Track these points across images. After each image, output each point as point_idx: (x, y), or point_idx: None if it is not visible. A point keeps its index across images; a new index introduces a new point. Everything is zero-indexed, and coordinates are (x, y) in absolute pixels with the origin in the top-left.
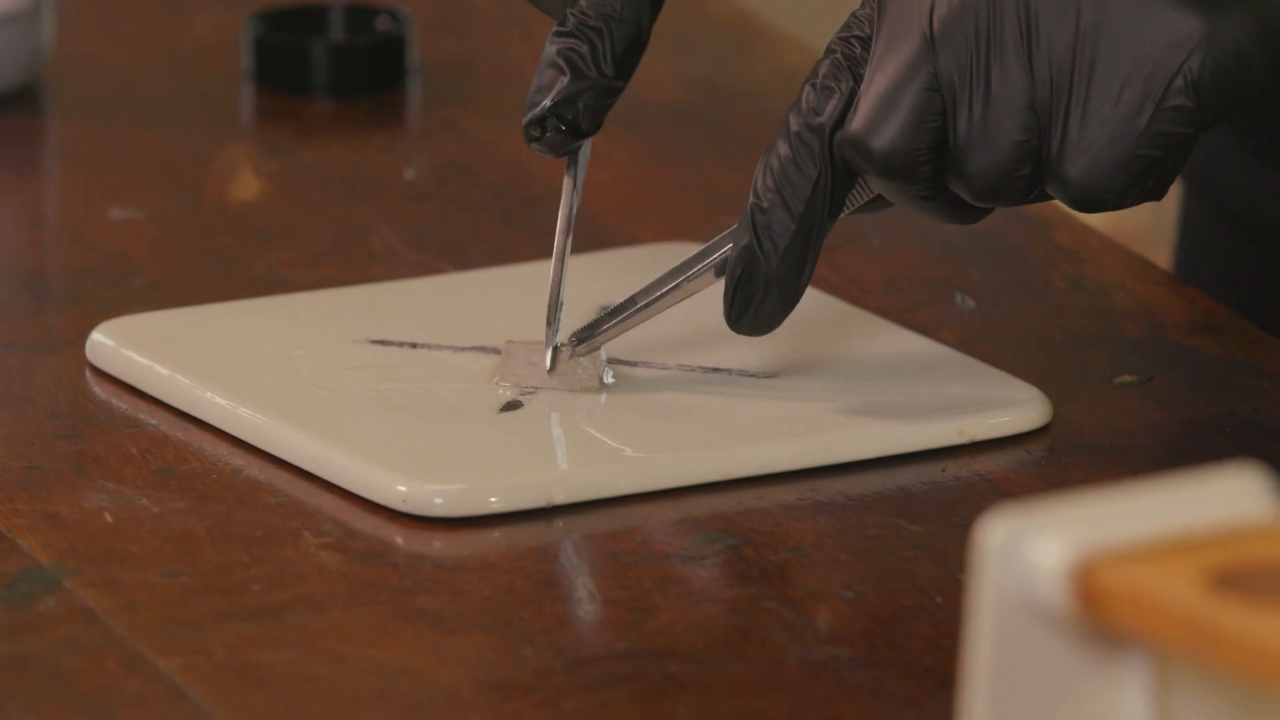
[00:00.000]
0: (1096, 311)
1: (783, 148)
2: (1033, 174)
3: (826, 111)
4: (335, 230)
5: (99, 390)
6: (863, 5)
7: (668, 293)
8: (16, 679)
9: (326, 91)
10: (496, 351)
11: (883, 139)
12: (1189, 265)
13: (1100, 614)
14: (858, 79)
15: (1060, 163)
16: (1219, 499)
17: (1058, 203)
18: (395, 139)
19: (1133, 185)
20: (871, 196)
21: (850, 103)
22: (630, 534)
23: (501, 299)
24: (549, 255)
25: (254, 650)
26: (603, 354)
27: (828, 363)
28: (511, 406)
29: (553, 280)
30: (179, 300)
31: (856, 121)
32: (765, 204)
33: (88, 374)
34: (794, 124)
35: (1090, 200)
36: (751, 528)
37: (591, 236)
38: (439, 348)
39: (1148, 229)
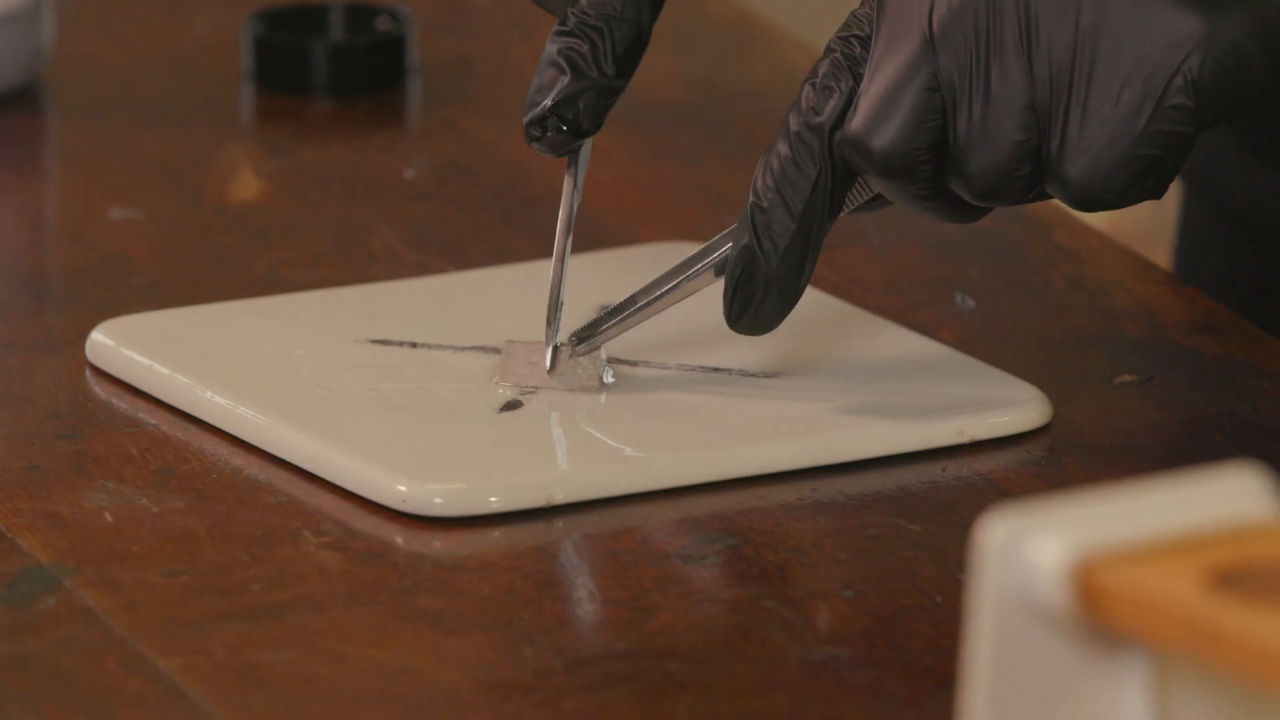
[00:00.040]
0: (1096, 311)
1: (782, 147)
2: (1032, 173)
3: (826, 111)
4: (335, 230)
5: (99, 390)
6: (862, 5)
7: (667, 292)
8: (16, 679)
9: (326, 91)
10: (496, 351)
11: (882, 139)
12: (1189, 265)
13: (1100, 614)
14: (857, 78)
15: (1060, 162)
16: (1219, 499)
17: (1058, 202)
18: (395, 139)
19: (1133, 185)
20: (871, 195)
21: (850, 102)
22: (630, 534)
23: (501, 299)
24: (549, 255)
25: (254, 650)
26: (603, 354)
27: (828, 362)
28: (511, 406)
29: (553, 280)
30: (179, 300)
31: (856, 121)
32: (765, 204)
33: (88, 374)
34: (794, 123)
35: (1090, 200)
36: (751, 527)
37: (591, 236)
38: (439, 347)
39: (1148, 229)
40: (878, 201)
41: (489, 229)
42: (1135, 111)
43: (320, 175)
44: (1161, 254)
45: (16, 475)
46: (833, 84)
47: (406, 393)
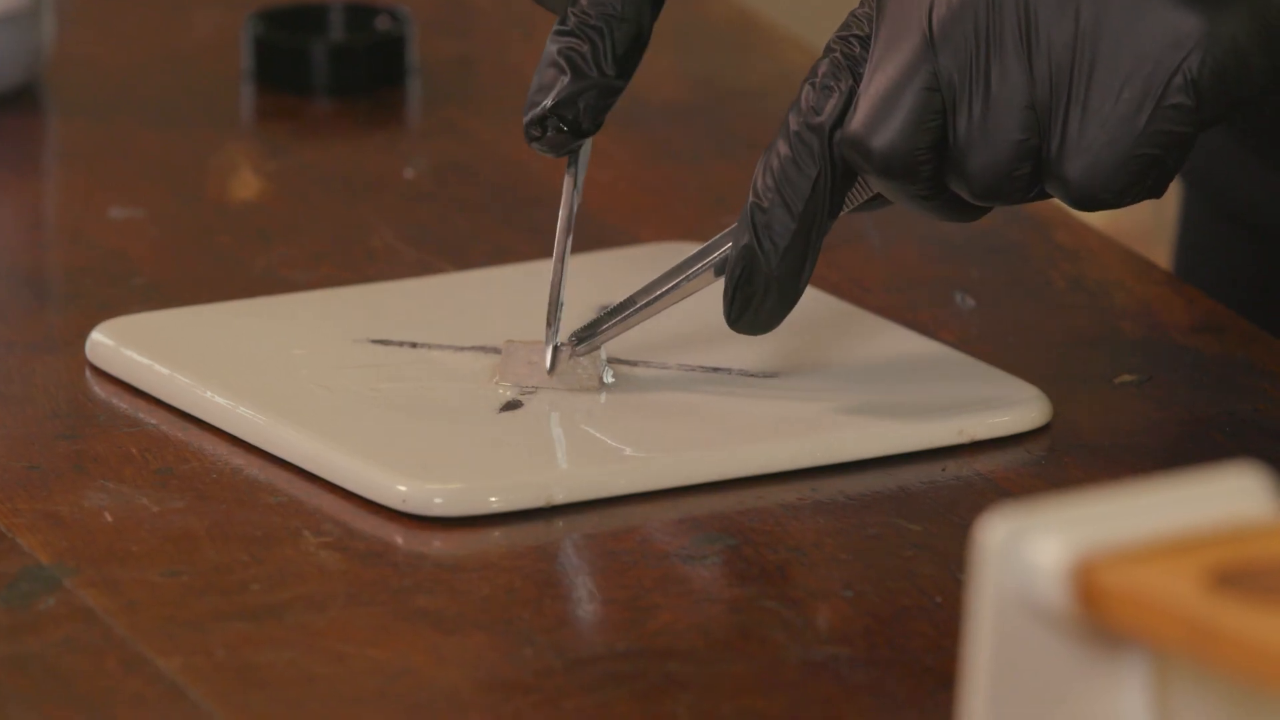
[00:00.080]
0: (1096, 311)
1: (782, 147)
2: (1032, 173)
3: (826, 111)
4: (335, 230)
5: (99, 390)
6: (862, 4)
7: (667, 292)
8: (16, 679)
9: (326, 91)
10: (496, 351)
11: (882, 139)
12: (1189, 265)
13: (1100, 614)
14: (857, 78)
15: (1060, 162)
16: (1219, 499)
17: (1058, 202)
18: (395, 139)
19: (1133, 184)
20: (871, 195)
21: (850, 102)
22: (630, 533)
23: (501, 299)
24: (549, 255)
25: (254, 650)
26: (603, 353)
27: (828, 362)
28: (511, 406)
29: (553, 280)
30: (179, 300)
31: (856, 121)
32: (765, 203)
33: (88, 374)
34: (794, 123)
35: (1090, 199)
36: (751, 527)
37: (591, 236)
38: (439, 347)
39: (1148, 228)
40: (878, 201)
41: (489, 229)
42: (1135, 111)
43: (320, 175)
44: (1161, 254)
45: (16, 475)
46: (833, 84)
47: (406, 393)
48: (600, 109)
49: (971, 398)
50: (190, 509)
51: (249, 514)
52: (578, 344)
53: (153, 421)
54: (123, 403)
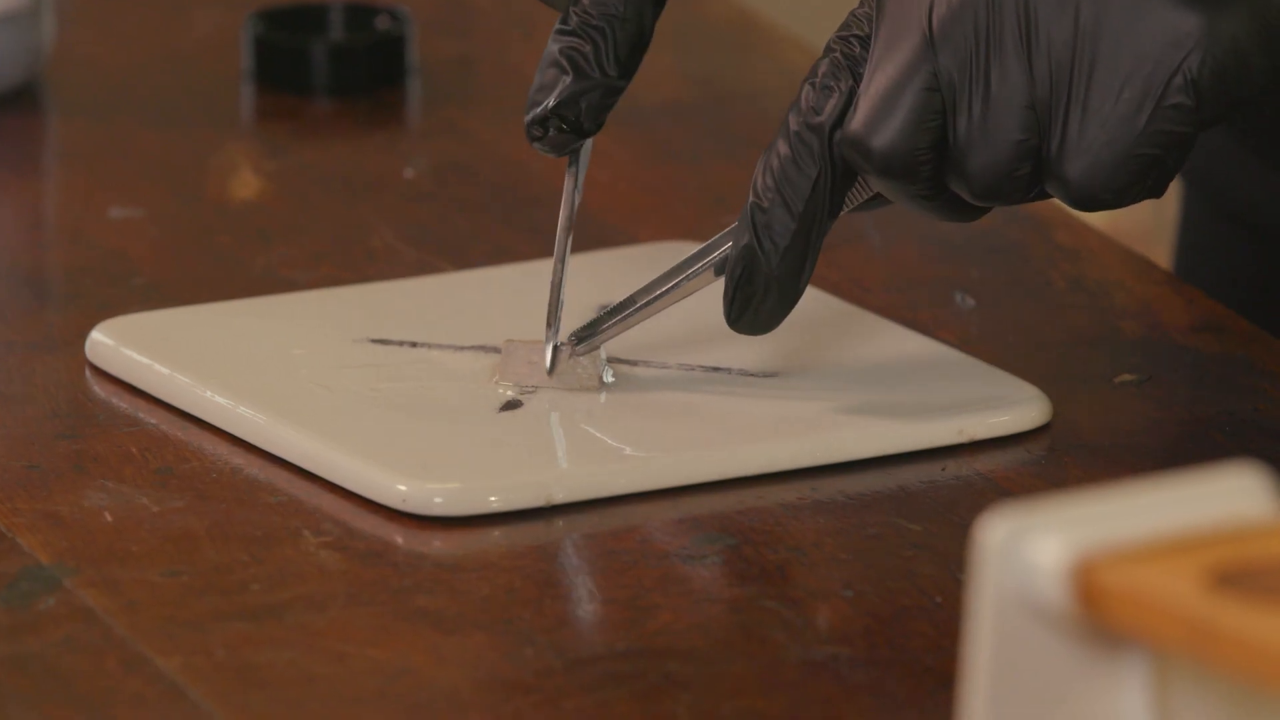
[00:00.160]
0: (1096, 311)
1: (782, 147)
2: (1032, 173)
3: (826, 110)
4: (335, 230)
5: (99, 389)
6: (862, 4)
7: (667, 292)
8: (16, 679)
9: (326, 91)
10: (496, 351)
11: (883, 138)
12: (1189, 265)
13: (1100, 613)
14: (857, 78)
15: (1060, 162)
16: (1219, 498)
17: (1058, 202)
18: (395, 139)
19: (1133, 184)
20: (871, 195)
21: (850, 102)
22: (630, 533)
23: (501, 299)
24: (549, 255)
25: (254, 650)
26: (602, 353)
27: (828, 362)
28: (511, 406)
29: (553, 280)
30: (179, 299)
31: (856, 121)
32: (765, 203)
33: (87, 373)
34: (794, 123)
35: (1090, 199)
36: (751, 527)
37: (591, 236)
38: (439, 347)
39: (1148, 228)
40: (878, 201)
41: (489, 229)
42: (1135, 111)
43: (320, 175)
44: (1161, 254)
45: (16, 475)
46: (832, 84)
47: (406, 392)
48: (602, 109)
49: (971, 398)
50: (190, 509)
51: (249, 514)
52: (578, 344)
53: (152, 421)
54: (123, 402)
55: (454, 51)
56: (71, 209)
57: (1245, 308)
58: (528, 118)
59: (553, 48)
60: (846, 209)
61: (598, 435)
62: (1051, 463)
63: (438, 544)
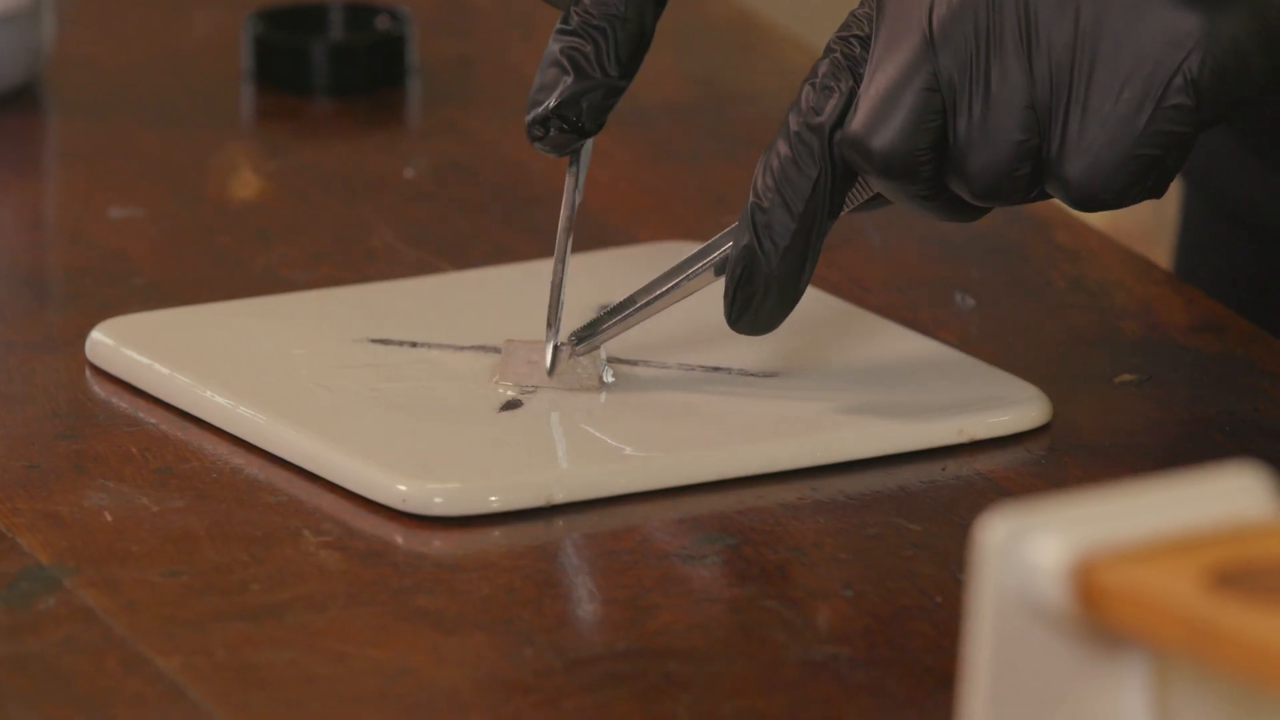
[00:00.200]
0: (1096, 311)
1: (783, 147)
2: (1033, 173)
3: (826, 111)
4: (335, 230)
5: (99, 389)
6: (862, 4)
7: (668, 292)
8: (16, 679)
9: (326, 91)
10: (496, 350)
11: (883, 139)
12: (1189, 265)
13: (1100, 613)
14: (857, 78)
15: (1060, 162)
16: (1219, 498)
17: (1058, 202)
18: (395, 139)
19: (1133, 184)
20: (871, 195)
21: (850, 102)
22: (630, 533)
23: (501, 298)
24: (549, 255)
25: (254, 650)
26: (603, 353)
27: (828, 362)
28: (511, 405)
29: (553, 279)
30: (179, 299)
31: (856, 121)
32: (765, 203)
33: (87, 373)
34: (794, 123)
35: (1090, 200)
36: (751, 527)
37: (592, 236)
38: (439, 347)
39: (1148, 228)
40: (878, 201)
41: (489, 229)
42: (1135, 111)
43: (320, 175)
44: (1161, 254)
45: (16, 475)
46: (833, 84)
47: (406, 392)
48: (603, 109)
49: (971, 397)
50: (190, 509)
51: (249, 514)
52: (578, 343)
53: (152, 421)
54: (123, 402)
55: (454, 51)
56: (71, 209)
57: (1245, 308)
58: (529, 118)
59: (554, 47)
60: (846, 209)
61: (598, 435)
62: (1051, 463)
63: (438, 544)
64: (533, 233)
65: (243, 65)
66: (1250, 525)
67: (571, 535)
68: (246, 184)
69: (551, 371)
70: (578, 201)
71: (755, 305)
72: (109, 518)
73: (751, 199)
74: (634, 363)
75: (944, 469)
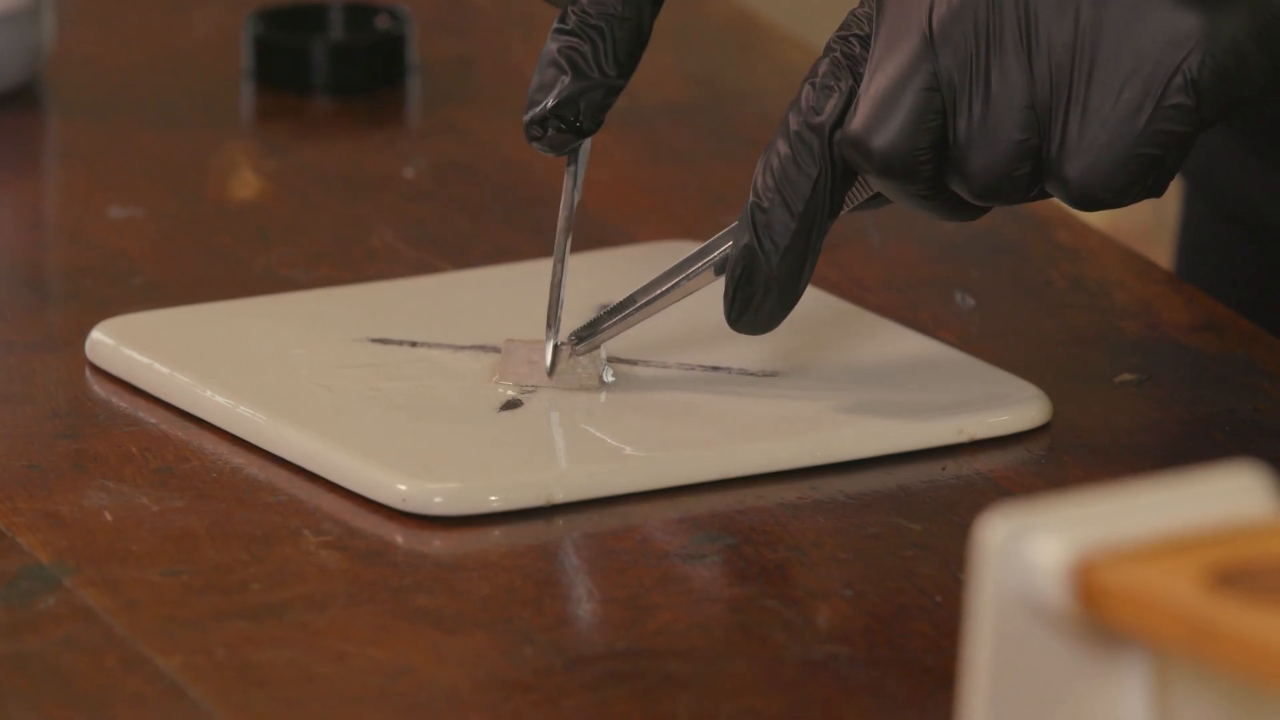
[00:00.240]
0: (1096, 310)
1: (782, 147)
2: (1033, 173)
3: (826, 110)
4: (335, 229)
5: (99, 389)
6: (862, 4)
7: (667, 291)
8: (16, 678)
9: (326, 90)
10: (496, 350)
11: (883, 138)
12: (1189, 264)
13: (1100, 613)
14: (857, 78)
15: (1060, 162)
16: (1219, 498)
17: (1058, 202)
18: (395, 138)
19: (1133, 184)
20: (871, 194)
21: (850, 101)
22: (630, 533)
23: (501, 298)
24: (549, 254)
25: (254, 649)
26: (602, 352)
27: (828, 361)
28: (511, 405)
29: (553, 279)
30: (179, 299)
31: (856, 121)
32: (765, 203)
33: (87, 373)
34: (793, 123)
35: (1090, 199)
36: (751, 526)
37: (592, 235)
38: (439, 346)
39: (1148, 228)
40: (878, 200)
41: (489, 229)
42: (1135, 110)
43: (320, 175)
44: (1161, 253)
45: (16, 475)
46: (832, 83)
47: (406, 392)
48: (601, 109)
49: (971, 397)
50: (190, 508)
51: (249, 513)
52: (578, 343)
53: (152, 421)
54: (122, 402)
55: (454, 51)
56: (71, 209)
57: (1245, 308)
58: (527, 117)
59: (551, 47)
60: (846, 209)
61: (598, 435)
62: (1051, 463)
63: (438, 544)
64: (533, 233)
65: (243, 65)
66: (1250, 525)
67: (571, 535)
68: (246, 184)
69: (551, 371)
70: (576, 201)
71: (755, 305)
72: (109, 517)
73: (751, 198)
74: (634, 362)
75: (944, 469)
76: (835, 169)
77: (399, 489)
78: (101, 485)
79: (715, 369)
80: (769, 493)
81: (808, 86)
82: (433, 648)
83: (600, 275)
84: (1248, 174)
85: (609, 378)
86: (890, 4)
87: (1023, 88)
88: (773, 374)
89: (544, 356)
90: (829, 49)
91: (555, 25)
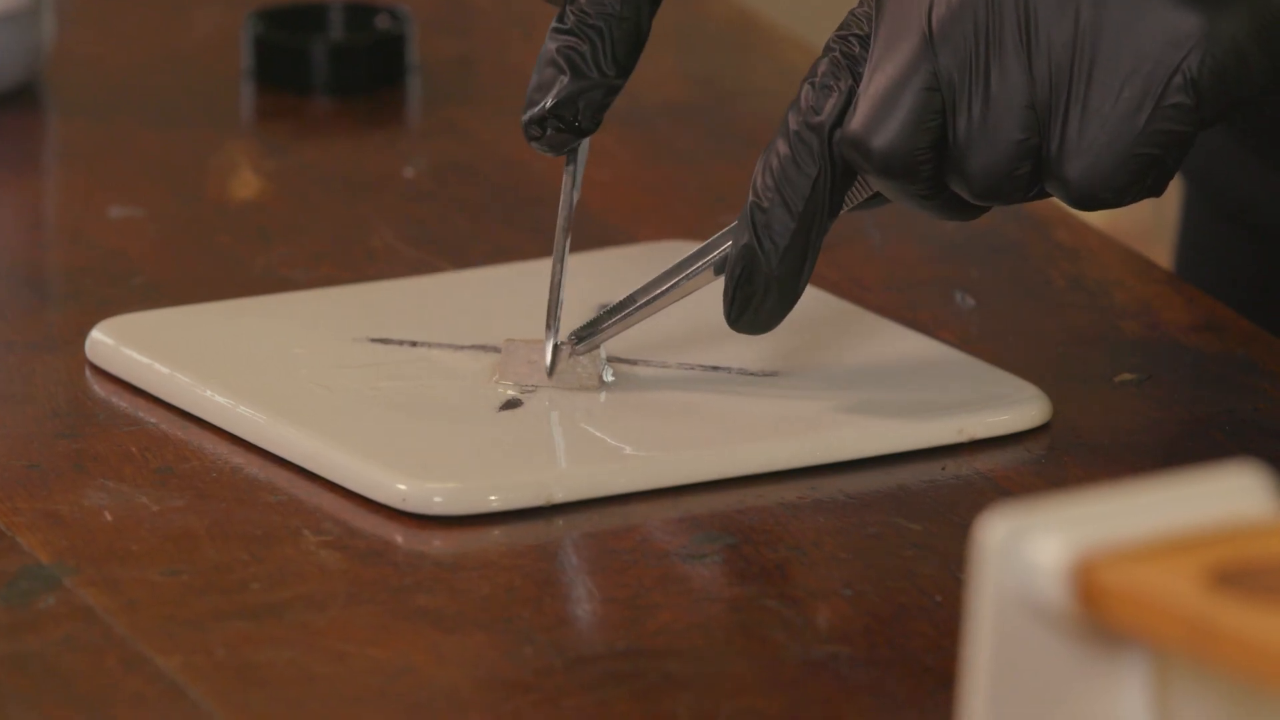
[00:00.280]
0: (1096, 310)
1: (782, 146)
2: (1032, 173)
3: (826, 110)
4: (335, 229)
5: (99, 389)
6: (861, 3)
7: (667, 291)
8: (16, 678)
9: (326, 90)
10: (496, 350)
11: (882, 138)
12: (1189, 264)
13: (1100, 613)
14: (856, 77)
15: (1060, 162)
16: (1219, 497)
17: (1057, 201)
18: (395, 138)
19: (1132, 184)
20: (871, 194)
21: (849, 101)
22: (630, 532)
23: (501, 298)
24: (549, 254)
25: (254, 649)
26: (602, 352)
27: (827, 361)
28: (511, 405)
29: (553, 279)
30: (179, 299)
31: (856, 121)
32: (765, 203)
33: (87, 372)
34: (793, 122)
35: (1090, 199)
36: (751, 526)
37: (591, 235)
38: (439, 346)
39: (1147, 227)
40: (877, 200)
41: (489, 228)
42: (1135, 110)
43: (320, 174)
44: (1161, 253)
45: (16, 474)
46: (832, 83)
47: (406, 391)
48: (600, 108)
49: (971, 397)
50: (190, 508)
51: (249, 513)
52: (578, 343)
53: (152, 420)
54: (123, 401)
55: (454, 51)
56: (71, 209)
57: (1245, 308)
58: (525, 117)
59: (550, 46)
60: (846, 208)
61: (597, 435)
62: (1051, 462)
63: (438, 543)
64: (533, 232)
65: (243, 65)
66: (1250, 525)
67: (571, 535)
68: (246, 183)
69: (551, 371)
70: (575, 200)
71: (755, 305)
72: (109, 517)
73: (751, 198)
74: (634, 362)
75: (944, 469)
76: (835, 169)
77: (399, 489)
78: (101, 485)
79: (715, 369)
80: (769, 492)
81: (807, 86)
82: (433, 648)
83: (600, 275)
84: (1248, 174)
85: (609, 377)
86: (890, 4)
87: (1022, 87)
88: (773, 374)
89: (544, 356)
90: (828, 49)
91: (554, 25)
